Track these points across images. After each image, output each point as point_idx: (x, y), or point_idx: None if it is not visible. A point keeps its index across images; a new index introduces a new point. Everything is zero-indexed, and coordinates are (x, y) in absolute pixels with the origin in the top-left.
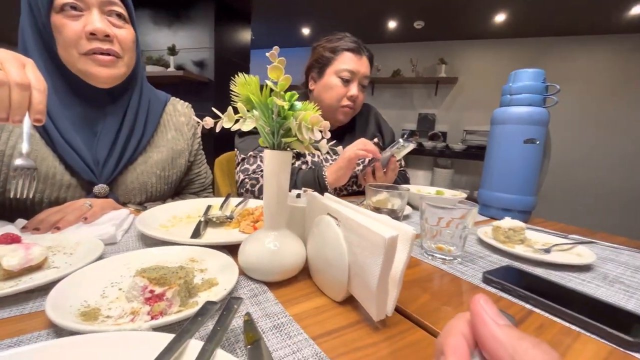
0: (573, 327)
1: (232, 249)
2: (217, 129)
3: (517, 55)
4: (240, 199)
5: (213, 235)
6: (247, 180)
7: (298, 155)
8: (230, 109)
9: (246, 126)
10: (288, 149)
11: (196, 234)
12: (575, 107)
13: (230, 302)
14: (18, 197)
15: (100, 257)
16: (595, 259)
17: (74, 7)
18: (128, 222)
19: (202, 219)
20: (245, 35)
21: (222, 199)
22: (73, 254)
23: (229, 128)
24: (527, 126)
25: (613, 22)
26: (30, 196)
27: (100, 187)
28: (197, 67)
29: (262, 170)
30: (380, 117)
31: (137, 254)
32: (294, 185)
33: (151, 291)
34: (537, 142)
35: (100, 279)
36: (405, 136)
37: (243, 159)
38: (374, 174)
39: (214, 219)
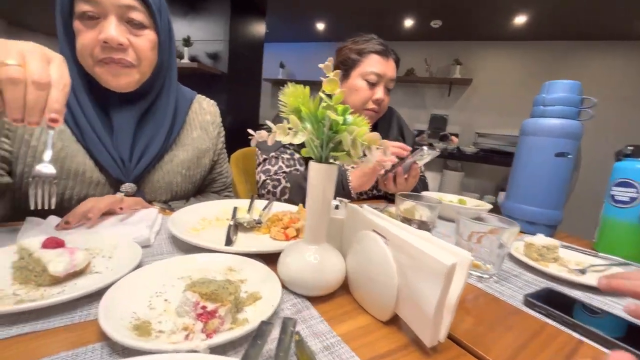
0: None
1: (266, 257)
2: (270, 142)
3: (535, 59)
4: (264, 202)
5: (245, 241)
6: (268, 181)
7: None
8: (285, 122)
9: (297, 139)
10: (334, 161)
11: (229, 240)
12: (597, 114)
13: (285, 324)
14: (39, 208)
15: (139, 264)
16: None
17: (90, 17)
18: (158, 223)
19: (232, 223)
20: (260, 29)
21: (246, 201)
22: (112, 258)
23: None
24: (559, 139)
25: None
26: (52, 207)
27: (128, 186)
28: (210, 60)
29: (284, 172)
30: (403, 121)
31: (176, 261)
32: None
33: (203, 307)
34: (569, 156)
35: (144, 288)
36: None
37: (265, 160)
38: (394, 180)
39: (245, 224)
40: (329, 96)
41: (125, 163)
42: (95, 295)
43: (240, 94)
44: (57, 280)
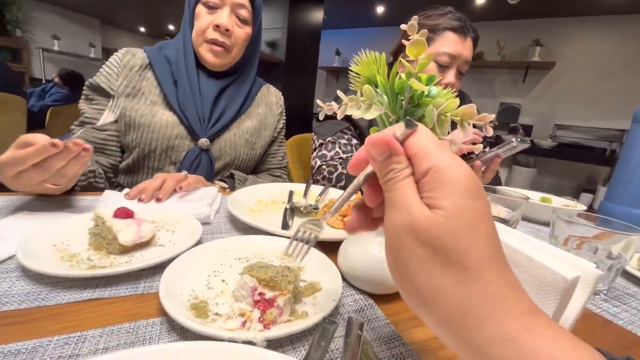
0: None
1: (323, 245)
2: (340, 116)
3: (632, 36)
4: (320, 187)
5: None
6: (324, 167)
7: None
8: (358, 93)
9: (370, 114)
10: None
11: (285, 224)
12: None
13: (350, 324)
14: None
15: (199, 241)
16: None
17: (211, 6)
18: (218, 201)
19: (288, 207)
20: (318, 15)
21: (302, 185)
22: (175, 232)
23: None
24: None
25: None
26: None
27: (204, 140)
28: (269, 48)
29: (340, 158)
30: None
31: (235, 241)
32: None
33: (261, 294)
34: None
35: (203, 266)
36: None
37: (321, 145)
38: None
39: (302, 209)
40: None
41: (204, 121)
42: (159, 268)
43: (297, 82)
44: (125, 250)
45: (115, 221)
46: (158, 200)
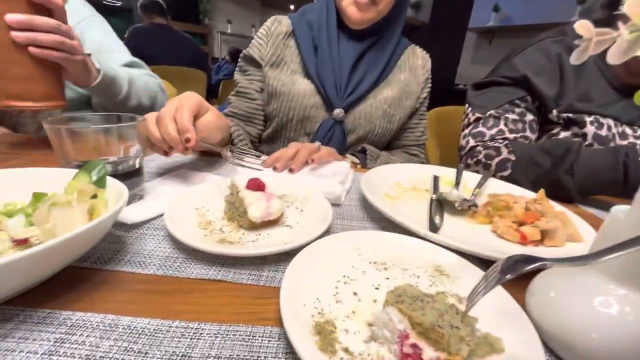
0: None
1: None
2: (618, 59)
3: None
4: (474, 175)
5: (454, 228)
6: (480, 148)
7: (568, 123)
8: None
9: None
10: None
11: (434, 225)
12: None
13: None
14: None
15: (329, 228)
16: None
17: None
18: (349, 180)
19: (434, 198)
20: None
21: (448, 170)
22: (303, 212)
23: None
24: None
25: None
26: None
27: (339, 111)
28: (411, 10)
29: (505, 139)
30: None
31: (369, 237)
32: (566, 172)
33: (415, 347)
34: None
35: (332, 266)
36: None
37: (478, 120)
38: None
39: (456, 204)
40: None
41: (341, 90)
42: (283, 255)
43: (439, 49)
44: (253, 226)
45: (247, 193)
46: (291, 170)
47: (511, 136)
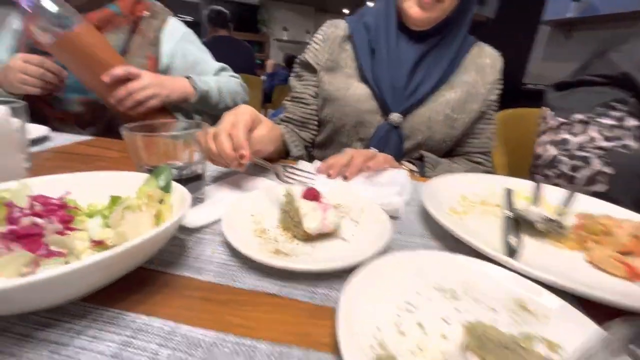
0: None
1: (589, 306)
2: None
3: None
4: (556, 189)
5: (536, 254)
6: (564, 158)
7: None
8: None
9: None
10: None
11: (511, 249)
12: None
13: None
14: None
15: (387, 244)
16: None
17: None
18: (408, 191)
19: (511, 215)
20: None
21: (522, 182)
22: (359, 224)
23: None
24: None
25: None
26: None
27: (396, 116)
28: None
29: (599, 148)
30: None
31: (434, 260)
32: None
33: None
34: None
35: (394, 290)
36: None
37: (561, 125)
38: None
39: (538, 224)
40: None
41: (399, 93)
42: (340, 271)
43: (506, 46)
44: (308, 237)
45: (303, 202)
46: (345, 178)
47: (607, 145)
